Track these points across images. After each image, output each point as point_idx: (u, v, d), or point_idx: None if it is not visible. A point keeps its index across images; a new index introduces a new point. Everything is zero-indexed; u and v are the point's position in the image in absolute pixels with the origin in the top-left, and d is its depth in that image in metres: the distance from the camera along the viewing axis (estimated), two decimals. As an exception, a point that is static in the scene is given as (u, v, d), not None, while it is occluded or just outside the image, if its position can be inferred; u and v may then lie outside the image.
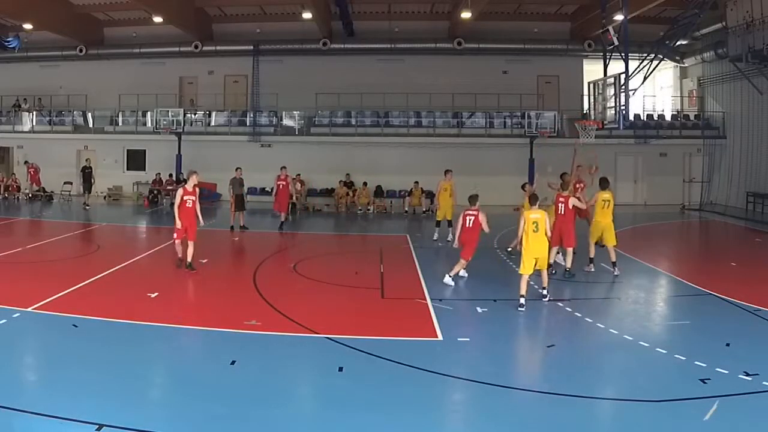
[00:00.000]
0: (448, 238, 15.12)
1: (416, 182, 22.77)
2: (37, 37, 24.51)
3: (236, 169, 17.46)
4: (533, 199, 9.82)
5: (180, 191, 11.44)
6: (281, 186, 17.11)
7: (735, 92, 23.28)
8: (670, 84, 27.84)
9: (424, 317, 8.45)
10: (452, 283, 10.50)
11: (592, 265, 11.57)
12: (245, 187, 18.33)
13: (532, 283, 9.31)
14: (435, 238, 15.39)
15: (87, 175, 22.59)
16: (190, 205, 11.39)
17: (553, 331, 8.16)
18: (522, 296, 8.88)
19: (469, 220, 10.62)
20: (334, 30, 26.26)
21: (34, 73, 27.35)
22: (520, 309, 8.78)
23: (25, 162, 24.99)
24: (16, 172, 25.96)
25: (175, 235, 11.43)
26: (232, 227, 16.94)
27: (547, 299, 9.27)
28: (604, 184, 11.61)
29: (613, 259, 11.41)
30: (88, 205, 22.00)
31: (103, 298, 9.11)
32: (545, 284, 9.39)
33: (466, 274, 11.06)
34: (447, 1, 24.69)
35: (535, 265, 9.08)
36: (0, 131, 26.73)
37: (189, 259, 11.20)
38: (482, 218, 10.54)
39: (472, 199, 10.85)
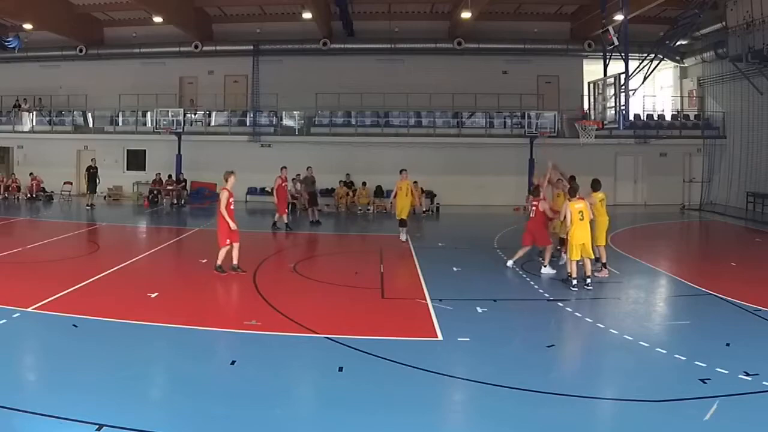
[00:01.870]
0: (402, 239, 15.08)
1: (415, 182, 22.74)
2: (37, 37, 24.53)
3: (307, 168, 18.95)
4: (573, 192, 10.27)
5: (226, 193, 10.85)
6: (286, 186, 17.13)
7: (735, 92, 23.29)
8: (670, 84, 27.85)
9: (424, 317, 8.44)
10: (553, 271, 11.26)
11: (606, 269, 11.33)
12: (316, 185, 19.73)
13: (535, 283, 9.30)
14: (404, 239, 15.09)
15: (92, 175, 22.58)
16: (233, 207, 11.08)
17: (553, 331, 8.15)
18: (573, 278, 9.91)
19: (532, 210, 11.57)
20: (334, 30, 26.27)
21: (34, 73, 27.35)
22: (572, 289, 9.85)
23: (30, 173, 25.06)
24: (16, 172, 25.98)
25: (228, 241, 10.87)
26: (311, 221, 18.64)
27: (589, 284, 9.93)
28: (597, 185, 11.41)
29: (605, 260, 11.45)
30: (93, 206, 21.99)
31: (103, 298, 9.11)
32: (588, 272, 9.98)
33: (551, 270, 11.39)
34: (447, 1, 24.69)
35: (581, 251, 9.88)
36: (0, 131, 26.73)
37: (236, 261, 11.01)
38: (543, 206, 11.39)
39: (535, 190, 11.85)
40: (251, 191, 25.07)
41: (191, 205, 23.85)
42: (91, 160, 23.50)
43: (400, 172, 15.52)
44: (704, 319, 8.64)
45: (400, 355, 6.77)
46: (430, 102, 25.28)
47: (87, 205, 21.93)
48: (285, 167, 17.50)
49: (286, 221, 17.13)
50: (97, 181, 22.74)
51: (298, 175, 22.91)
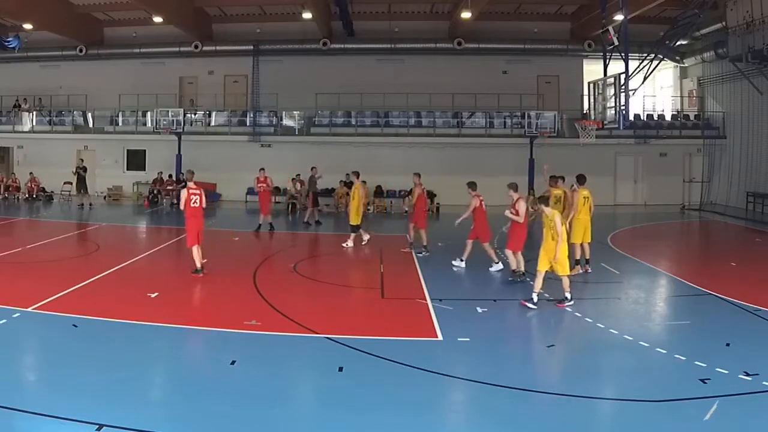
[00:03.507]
0: (344, 245, 14.68)
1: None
2: (38, 37, 24.52)
3: (312, 168, 18.80)
4: (544, 200, 9.66)
5: (185, 192, 10.86)
6: (262, 189, 16.99)
7: (735, 92, 23.29)
8: (670, 84, 27.84)
9: (424, 317, 8.45)
10: (501, 267, 11.60)
11: (588, 265, 11.53)
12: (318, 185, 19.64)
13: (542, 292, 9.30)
14: (363, 241, 14.86)
15: (81, 176, 22.18)
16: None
17: (553, 331, 8.15)
18: (535, 293, 9.03)
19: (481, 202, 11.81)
20: (334, 30, 26.27)
21: (34, 73, 27.34)
22: (532, 306, 8.90)
23: (30, 173, 25.03)
24: (17, 172, 25.95)
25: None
26: (307, 222, 18.69)
27: (567, 304, 9.02)
28: (582, 180, 11.44)
29: (588, 257, 11.52)
30: (91, 205, 22.02)
31: (103, 298, 9.12)
32: (565, 287, 9.15)
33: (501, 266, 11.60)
34: (447, 1, 24.69)
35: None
36: (0, 131, 26.73)
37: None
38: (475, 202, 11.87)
39: (472, 184, 12.14)
40: (251, 191, 25.02)
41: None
42: (80, 160, 23.26)
43: (357, 174, 15.45)
44: (704, 319, 8.64)
45: (400, 355, 6.77)
46: (430, 102, 25.27)
47: (80, 206, 21.82)
48: (263, 168, 17.46)
49: (270, 221, 17.03)
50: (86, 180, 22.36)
51: (298, 175, 22.98)
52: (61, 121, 26.93)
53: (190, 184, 10.96)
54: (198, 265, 10.80)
